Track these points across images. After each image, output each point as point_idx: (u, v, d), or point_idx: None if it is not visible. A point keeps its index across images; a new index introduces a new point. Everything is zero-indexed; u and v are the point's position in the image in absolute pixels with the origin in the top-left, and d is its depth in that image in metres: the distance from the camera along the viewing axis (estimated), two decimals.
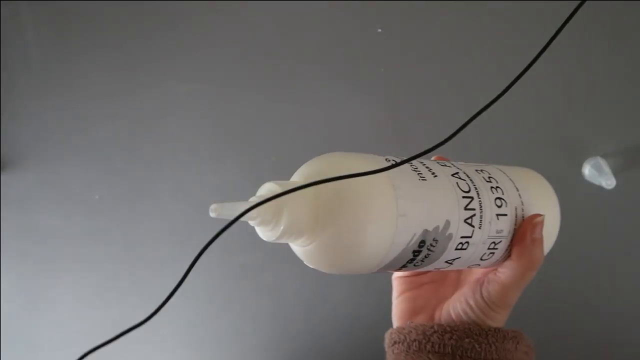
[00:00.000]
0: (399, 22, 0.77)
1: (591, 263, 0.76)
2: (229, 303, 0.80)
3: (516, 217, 0.41)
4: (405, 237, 0.36)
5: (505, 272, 0.41)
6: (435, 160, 0.42)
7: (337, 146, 0.81)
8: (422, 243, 0.38)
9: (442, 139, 0.35)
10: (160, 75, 0.76)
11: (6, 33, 0.76)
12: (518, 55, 0.73)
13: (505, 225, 0.41)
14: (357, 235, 0.35)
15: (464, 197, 0.39)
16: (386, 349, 0.45)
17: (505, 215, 0.40)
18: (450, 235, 0.39)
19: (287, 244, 0.38)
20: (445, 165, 0.41)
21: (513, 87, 0.35)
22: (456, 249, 0.40)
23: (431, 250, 0.39)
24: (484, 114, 0.34)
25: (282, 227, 0.34)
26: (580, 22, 0.80)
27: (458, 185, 0.39)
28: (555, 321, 0.76)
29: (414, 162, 0.39)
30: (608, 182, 0.73)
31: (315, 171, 0.37)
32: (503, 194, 0.41)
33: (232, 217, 0.32)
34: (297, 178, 0.38)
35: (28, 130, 0.76)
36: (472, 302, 0.42)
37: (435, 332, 0.41)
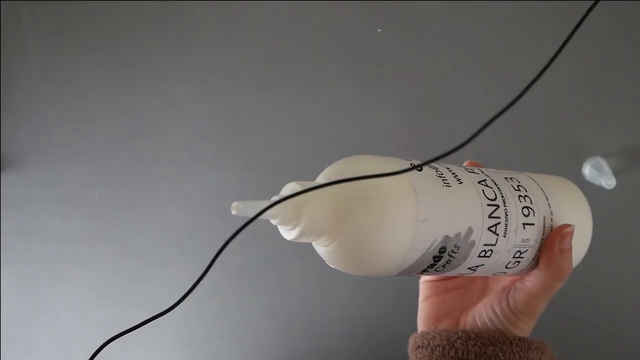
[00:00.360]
0: (399, 22, 0.77)
1: (591, 263, 0.76)
2: (229, 303, 0.80)
3: (544, 226, 0.41)
4: (425, 243, 0.36)
5: (532, 281, 0.41)
6: (463, 167, 0.41)
7: (337, 146, 0.81)
8: (442, 249, 0.37)
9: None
10: (160, 75, 0.76)
11: (6, 33, 0.76)
12: (519, 55, 0.73)
13: (532, 235, 0.40)
14: (374, 237, 0.35)
15: (489, 204, 0.38)
16: (409, 353, 0.45)
17: (533, 224, 0.40)
18: (473, 243, 0.38)
19: (302, 245, 0.38)
20: (473, 172, 0.40)
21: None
22: (479, 256, 0.40)
23: (452, 257, 0.38)
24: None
25: (302, 226, 0.34)
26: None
27: (484, 193, 0.38)
28: (553, 321, 0.76)
29: (440, 167, 0.38)
30: (608, 182, 0.72)
31: (338, 172, 0.37)
32: (532, 202, 0.40)
33: (252, 215, 0.32)
34: (321, 179, 0.37)
35: (28, 130, 0.76)
36: (497, 310, 0.42)
37: (459, 338, 0.41)
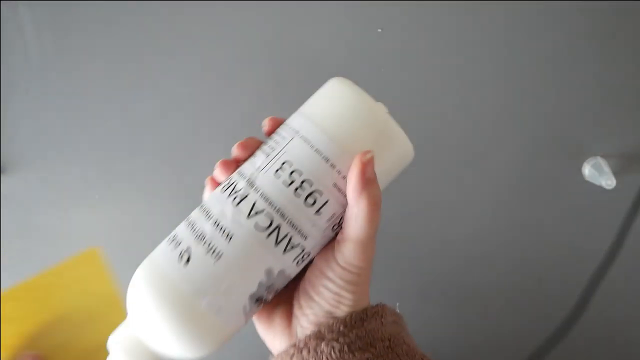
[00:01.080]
0: (399, 22, 0.77)
1: (590, 263, 0.76)
2: None
3: (340, 189, 0.38)
4: (236, 314, 0.36)
5: (351, 225, 0.37)
6: (234, 195, 0.38)
7: None
8: (258, 299, 0.37)
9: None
10: (160, 75, 0.77)
11: (6, 33, 0.76)
12: (520, 55, 0.73)
13: (332, 209, 0.37)
14: (194, 346, 0.36)
15: (269, 234, 0.36)
16: None
17: (327, 201, 0.37)
18: (281, 271, 0.37)
19: None
20: (244, 198, 0.37)
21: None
22: (298, 265, 0.38)
23: (272, 290, 0.37)
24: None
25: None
26: (579, 22, 0.81)
27: (258, 226, 0.36)
28: (551, 321, 0.76)
29: (208, 230, 0.37)
30: (608, 182, 0.73)
31: (136, 293, 0.40)
32: (313, 184, 0.37)
33: None
34: (149, 294, 0.40)
35: (28, 130, 0.76)
36: (331, 275, 0.38)
37: (292, 355, 0.37)
